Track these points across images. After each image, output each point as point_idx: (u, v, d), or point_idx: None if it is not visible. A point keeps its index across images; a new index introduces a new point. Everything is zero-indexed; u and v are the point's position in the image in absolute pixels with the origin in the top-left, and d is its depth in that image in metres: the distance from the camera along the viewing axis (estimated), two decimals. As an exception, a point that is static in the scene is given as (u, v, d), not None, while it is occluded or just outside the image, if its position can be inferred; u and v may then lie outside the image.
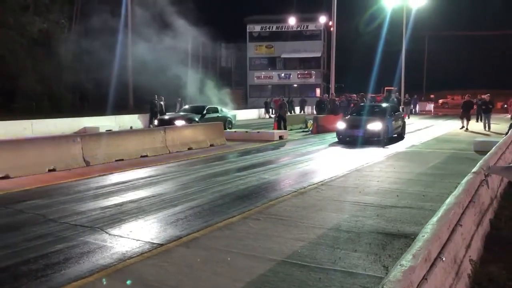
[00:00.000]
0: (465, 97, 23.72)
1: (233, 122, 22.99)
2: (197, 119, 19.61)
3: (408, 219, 6.25)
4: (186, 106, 23.24)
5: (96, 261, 4.81)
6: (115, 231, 5.85)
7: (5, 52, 27.54)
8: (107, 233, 5.77)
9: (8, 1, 28.61)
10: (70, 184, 9.12)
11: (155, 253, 5.00)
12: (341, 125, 16.36)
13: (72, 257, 4.94)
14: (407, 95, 36.78)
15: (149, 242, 5.40)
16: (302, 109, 36.22)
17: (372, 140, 15.47)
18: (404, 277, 2.34)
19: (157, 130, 14.68)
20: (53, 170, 10.48)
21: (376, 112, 16.95)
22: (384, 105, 18.95)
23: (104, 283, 4.27)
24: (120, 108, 28.10)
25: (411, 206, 6.97)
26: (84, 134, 13.86)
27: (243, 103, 49.31)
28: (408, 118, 32.20)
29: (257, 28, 55.31)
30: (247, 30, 55.25)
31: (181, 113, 20.76)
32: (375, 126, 15.51)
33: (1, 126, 18.27)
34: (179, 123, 18.40)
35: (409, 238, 5.27)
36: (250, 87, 55.34)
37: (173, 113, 21.71)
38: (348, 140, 15.88)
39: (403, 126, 18.43)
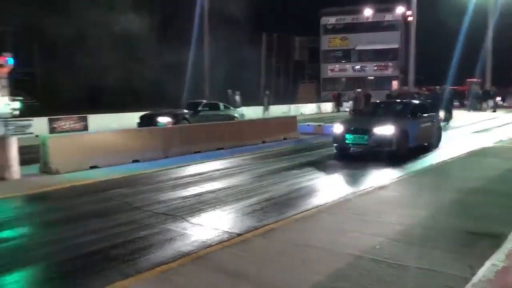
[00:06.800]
0: None
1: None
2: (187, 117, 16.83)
3: (495, 218, 5.89)
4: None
5: (178, 248, 5.04)
6: (194, 219, 6.10)
7: (94, 50, 29.52)
8: (187, 221, 6.02)
9: (95, 2, 30.61)
10: (152, 174, 9.61)
11: (234, 242, 5.13)
12: (338, 128, 11.62)
13: (155, 243, 5.22)
14: (486, 85, 34.40)
15: (227, 231, 5.56)
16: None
17: (381, 152, 10.99)
18: (496, 277, 2.22)
19: (231, 123, 15.02)
20: (137, 161, 11.09)
21: (391, 111, 12.44)
22: (410, 102, 14.07)
23: (186, 269, 4.46)
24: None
25: (500, 205, 6.56)
26: (164, 128, 14.48)
27: (316, 96, 48.90)
28: (494, 111, 30.46)
29: (332, 20, 54.37)
30: (321, 23, 54.53)
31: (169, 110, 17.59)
32: (385, 130, 10.88)
33: (90, 120, 19.71)
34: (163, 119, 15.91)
35: (497, 238, 4.96)
36: (323, 80, 54.63)
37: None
38: (350, 151, 11.94)
39: (437, 133, 13.29)
